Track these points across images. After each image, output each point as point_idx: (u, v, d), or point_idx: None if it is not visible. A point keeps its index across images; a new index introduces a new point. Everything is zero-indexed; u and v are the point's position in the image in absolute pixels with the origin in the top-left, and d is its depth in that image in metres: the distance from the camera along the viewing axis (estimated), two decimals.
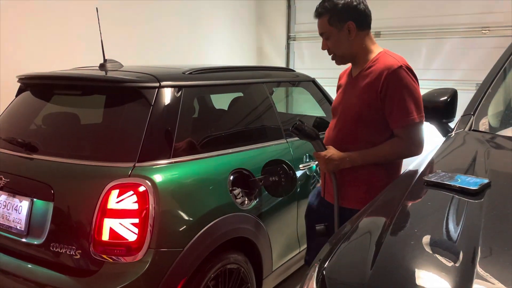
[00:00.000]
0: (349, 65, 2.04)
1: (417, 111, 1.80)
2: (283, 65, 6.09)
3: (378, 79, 1.80)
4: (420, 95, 1.84)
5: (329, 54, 1.96)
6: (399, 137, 1.84)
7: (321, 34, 1.93)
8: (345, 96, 1.97)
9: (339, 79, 2.13)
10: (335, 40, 1.89)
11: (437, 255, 0.96)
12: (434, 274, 0.91)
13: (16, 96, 2.52)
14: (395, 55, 1.87)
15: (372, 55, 1.89)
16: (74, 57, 3.76)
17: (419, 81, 1.87)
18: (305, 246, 2.85)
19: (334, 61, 1.97)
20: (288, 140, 2.76)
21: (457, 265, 0.89)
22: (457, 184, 1.24)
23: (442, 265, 0.92)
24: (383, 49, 1.92)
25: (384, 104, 1.81)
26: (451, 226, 1.06)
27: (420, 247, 1.00)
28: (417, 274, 0.92)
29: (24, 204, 2.04)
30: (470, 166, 1.45)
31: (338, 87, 2.11)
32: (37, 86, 2.48)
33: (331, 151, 1.90)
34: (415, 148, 1.84)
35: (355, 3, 1.85)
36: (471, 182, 1.24)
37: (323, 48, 1.95)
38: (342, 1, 1.84)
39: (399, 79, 1.77)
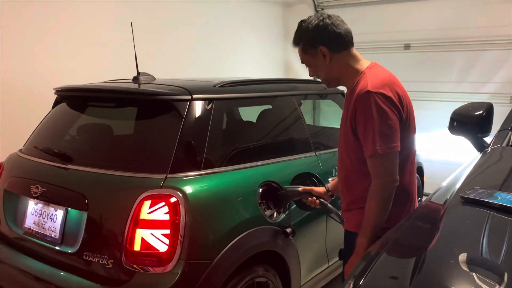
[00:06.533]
0: None
1: (382, 142, 1.62)
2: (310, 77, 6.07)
3: (352, 104, 1.71)
4: (390, 123, 1.63)
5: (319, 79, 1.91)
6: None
7: (302, 63, 1.89)
8: (341, 120, 1.88)
9: None
10: (314, 67, 1.83)
11: (479, 275, 0.92)
12: None
13: (53, 107, 2.60)
14: (373, 74, 1.71)
15: (357, 75, 1.76)
16: (109, 70, 3.86)
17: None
18: (334, 260, 2.81)
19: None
20: (317, 153, 2.75)
21: (501, 287, 0.86)
22: (497, 201, 1.20)
23: (486, 285, 0.89)
24: (370, 63, 1.79)
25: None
26: (493, 246, 1.02)
27: (460, 266, 0.96)
28: None
29: (59, 213, 2.09)
30: (510, 183, 1.40)
31: None
32: (72, 98, 2.55)
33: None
34: (380, 182, 1.66)
35: (323, 26, 1.74)
36: None
37: (310, 75, 1.91)
38: (310, 26, 1.76)
39: (364, 106, 1.64)
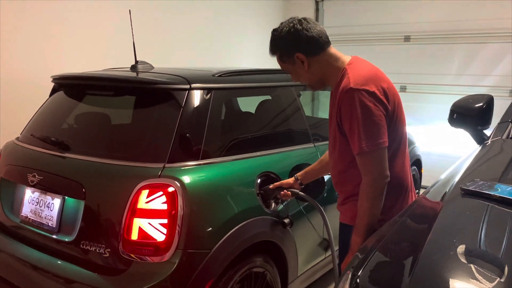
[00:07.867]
0: None
1: (368, 139, 1.60)
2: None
3: (337, 102, 1.70)
4: (375, 119, 1.60)
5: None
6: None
7: (283, 70, 1.87)
8: (329, 118, 1.87)
9: None
10: (295, 74, 1.81)
11: (480, 268, 0.92)
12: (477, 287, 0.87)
13: (50, 95, 2.58)
14: (355, 70, 1.68)
15: (339, 72, 1.73)
16: (107, 58, 3.84)
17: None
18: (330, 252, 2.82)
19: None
20: (315, 144, 2.74)
21: (502, 280, 0.86)
22: (497, 193, 1.19)
23: (486, 278, 0.89)
24: (350, 58, 1.76)
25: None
26: (493, 238, 1.02)
27: (460, 258, 0.96)
28: (459, 286, 0.89)
29: (56, 202, 2.08)
30: (510, 175, 1.39)
31: None
32: (70, 86, 2.53)
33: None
34: (370, 179, 1.64)
35: (295, 33, 1.71)
36: None
37: (293, 81, 1.89)
38: (283, 35, 1.73)
39: (348, 103, 1.62)
